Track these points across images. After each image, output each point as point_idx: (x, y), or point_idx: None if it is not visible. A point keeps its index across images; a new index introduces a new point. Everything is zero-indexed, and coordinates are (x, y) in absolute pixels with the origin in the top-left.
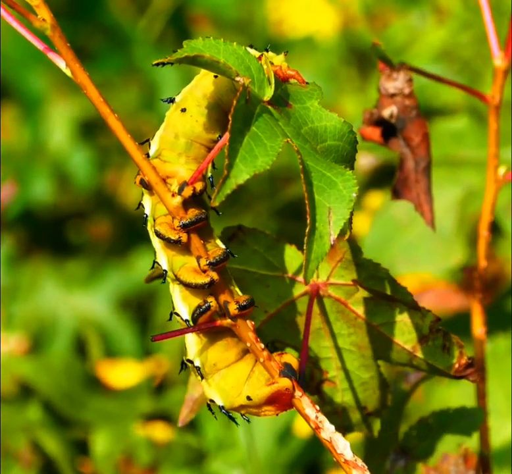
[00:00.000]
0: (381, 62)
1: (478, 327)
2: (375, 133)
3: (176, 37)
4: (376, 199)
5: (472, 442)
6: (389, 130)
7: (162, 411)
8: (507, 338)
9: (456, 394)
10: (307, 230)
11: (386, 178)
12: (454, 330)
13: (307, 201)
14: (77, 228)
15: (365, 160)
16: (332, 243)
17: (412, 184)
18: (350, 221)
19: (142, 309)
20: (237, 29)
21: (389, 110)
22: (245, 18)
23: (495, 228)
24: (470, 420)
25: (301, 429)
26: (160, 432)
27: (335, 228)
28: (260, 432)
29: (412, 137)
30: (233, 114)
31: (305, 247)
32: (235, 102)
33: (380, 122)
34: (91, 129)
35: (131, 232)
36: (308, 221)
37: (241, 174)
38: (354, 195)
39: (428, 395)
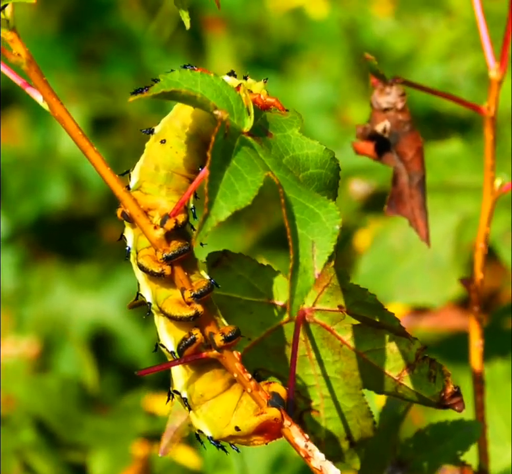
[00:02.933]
0: (373, 77)
1: (475, 340)
2: (368, 147)
3: (187, 40)
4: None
5: (469, 455)
6: (382, 144)
7: (159, 430)
8: (505, 363)
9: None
10: (290, 265)
11: (380, 205)
12: (453, 349)
13: (289, 236)
14: (89, 231)
15: (359, 187)
16: (316, 277)
17: (407, 199)
18: (335, 250)
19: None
20: (249, 31)
21: (382, 125)
22: (256, 19)
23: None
24: (468, 432)
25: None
26: (158, 452)
27: (319, 262)
28: (253, 456)
29: (406, 152)
30: (211, 151)
31: (288, 283)
32: (213, 138)
33: (374, 137)
34: (102, 132)
35: None
36: (291, 256)
37: (222, 211)
38: (337, 227)
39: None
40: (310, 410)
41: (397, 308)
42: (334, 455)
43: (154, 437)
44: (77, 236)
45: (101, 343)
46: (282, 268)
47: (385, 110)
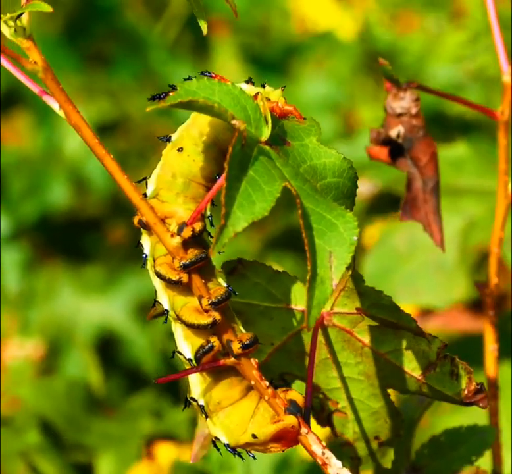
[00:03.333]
0: (387, 82)
1: (490, 344)
2: (382, 152)
3: (192, 41)
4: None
5: (484, 461)
6: (396, 149)
7: (165, 431)
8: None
9: (468, 411)
10: (308, 276)
11: (385, 205)
12: (463, 351)
13: (307, 246)
14: (94, 233)
15: (364, 187)
16: (334, 288)
17: (421, 204)
18: (352, 260)
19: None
20: (255, 34)
21: (396, 130)
22: (262, 22)
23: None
24: (482, 438)
25: (303, 454)
26: (163, 453)
27: (337, 272)
28: (257, 458)
29: (420, 157)
30: (229, 161)
31: (306, 293)
32: (230, 148)
33: (387, 142)
34: (107, 133)
35: None
36: (308, 266)
37: (239, 222)
38: (355, 238)
39: (437, 413)
40: (338, 412)
41: (407, 308)
42: (364, 456)
43: (159, 438)
44: (81, 238)
45: (107, 346)
46: (288, 269)
47: (399, 115)
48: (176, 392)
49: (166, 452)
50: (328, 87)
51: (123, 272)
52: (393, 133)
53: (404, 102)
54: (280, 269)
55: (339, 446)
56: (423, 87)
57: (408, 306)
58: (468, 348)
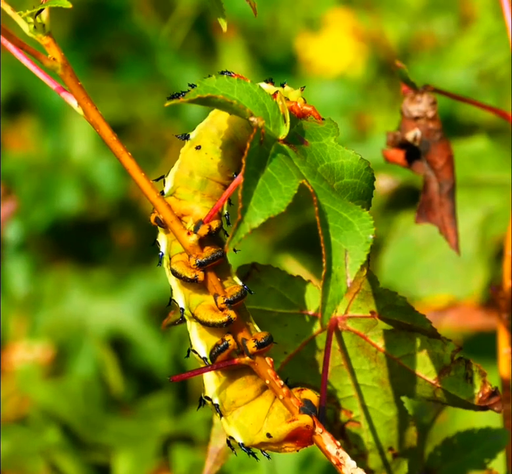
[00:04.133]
0: (404, 85)
1: (503, 347)
2: (399, 155)
3: (200, 44)
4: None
5: (497, 464)
6: (413, 152)
7: (182, 431)
8: None
9: (481, 413)
10: (322, 273)
11: (405, 200)
12: (476, 349)
13: (322, 244)
14: (102, 236)
15: (384, 182)
16: (349, 286)
17: (437, 207)
18: (368, 259)
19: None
20: (262, 36)
21: (412, 134)
22: (269, 24)
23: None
24: (496, 440)
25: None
26: (180, 452)
27: (352, 270)
28: (281, 455)
29: (436, 160)
30: (246, 157)
31: (320, 290)
32: (248, 144)
33: (404, 145)
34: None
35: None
36: (324, 264)
37: (256, 218)
38: (371, 236)
39: (452, 415)
40: (351, 422)
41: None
42: (378, 468)
43: (176, 439)
44: (90, 241)
45: (116, 349)
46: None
47: (416, 118)
48: (191, 392)
49: (183, 451)
50: (337, 89)
51: (131, 275)
52: (409, 136)
53: (421, 105)
54: (296, 264)
55: (353, 458)
56: (439, 90)
57: (427, 299)
58: (482, 346)
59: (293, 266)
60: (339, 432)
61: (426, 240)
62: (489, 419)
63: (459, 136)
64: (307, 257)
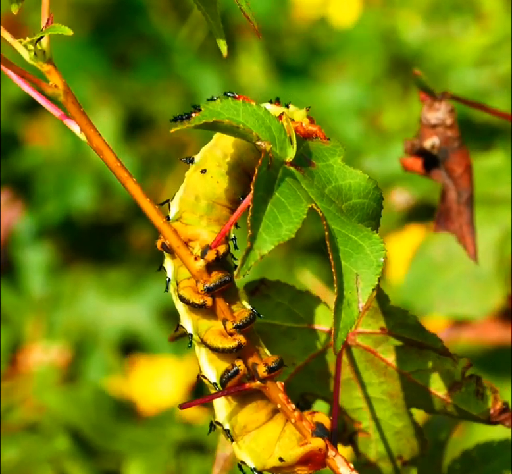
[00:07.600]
0: (422, 92)
1: None
2: (416, 163)
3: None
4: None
5: None
6: (431, 160)
7: (194, 439)
8: None
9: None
10: (334, 299)
11: (422, 216)
12: (494, 363)
13: (333, 268)
14: (119, 237)
15: (401, 197)
16: (361, 310)
17: (455, 216)
18: (378, 281)
19: None
20: (278, 37)
21: (431, 141)
22: (286, 26)
23: None
24: None
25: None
26: (192, 460)
27: (364, 295)
28: None
29: (455, 169)
30: (255, 183)
31: (333, 316)
32: (256, 170)
33: (422, 153)
34: (132, 137)
35: None
36: (335, 289)
37: (265, 245)
38: (382, 259)
39: (469, 428)
40: (360, 432)
41: (437, 321)
42: None
43: (188, 446)
44: (106, 242)
45: (131, 350)
46: (314, 272)
47: (434, 126)
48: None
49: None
50: (353, 90)
51: (147, 276)
52: (427, 144)
53: (439, 113)
54: (312, 277)
55: (361, 466)
56: (458, 98)
57: (441, 319)
58: (500, 359)
59: (308, 279)
60: (348, 439)
61: (443, 259)
62: (508, 432)
63: (476, 140)
64: (324, 262)
